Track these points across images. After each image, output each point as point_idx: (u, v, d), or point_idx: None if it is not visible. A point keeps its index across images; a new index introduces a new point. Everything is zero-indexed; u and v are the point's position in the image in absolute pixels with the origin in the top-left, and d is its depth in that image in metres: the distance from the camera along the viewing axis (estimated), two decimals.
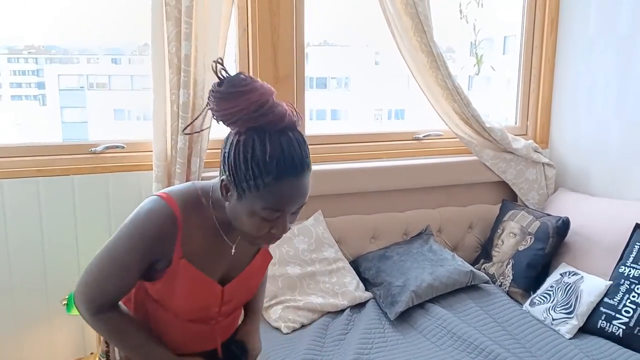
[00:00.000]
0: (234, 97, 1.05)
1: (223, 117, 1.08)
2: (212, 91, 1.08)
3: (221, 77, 1.09)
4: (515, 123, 2.90)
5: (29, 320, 2.19)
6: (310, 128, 2.63)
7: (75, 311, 2.07)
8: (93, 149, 2.23)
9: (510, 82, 3.00)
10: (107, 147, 2.25)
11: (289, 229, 1.15)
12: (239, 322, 1.46)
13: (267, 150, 1.05)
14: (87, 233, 2.21)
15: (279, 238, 1.16)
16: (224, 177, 1.11)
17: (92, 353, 2.21)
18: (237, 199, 1.10)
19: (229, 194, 1.12)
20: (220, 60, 1.09)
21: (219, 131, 2.34)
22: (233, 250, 1.25)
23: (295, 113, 1.10)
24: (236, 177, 1.08)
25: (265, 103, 1.06)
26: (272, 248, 2.27)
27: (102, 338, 1.43)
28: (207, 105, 1.10)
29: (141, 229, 1.14)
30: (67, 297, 2.09)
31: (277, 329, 2.13)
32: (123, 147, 2.27)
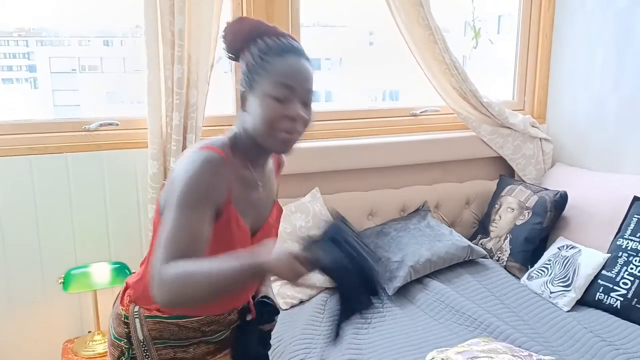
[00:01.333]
0: (240, 20, 1.23)
1: (233, 41, 1.23)
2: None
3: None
4: (513, 98, 2.88)
5: (26, 299, 2.17)
6: None
7: (72, 289, 2.06)
8: (87, 126, 2.19)
9: (504, 62, 2.98)
10: (101, 125, 2.21)
11: (304, 119, 1.19)
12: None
13: (268, 44, 1.19)
14: (82, 211, 2.19)
15: (296, 124, 1.18)
16: (242, 90, 1.21)
17: (89, 332, 2.20)
18: (252, 95, 1.18)
19: (246, 102, 1.20)
20: None
21: (214, 109, 2.32)
22: (260, 188, 1.27)
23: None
24: (249, 75, 1.19)
25: (267, 27, 1.22)
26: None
27: (111, 318, 1.36)
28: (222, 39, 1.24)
29: (200, 173, 1.11)
30: (63, 275, 2.08)
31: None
32: (117, 125, 2.24)
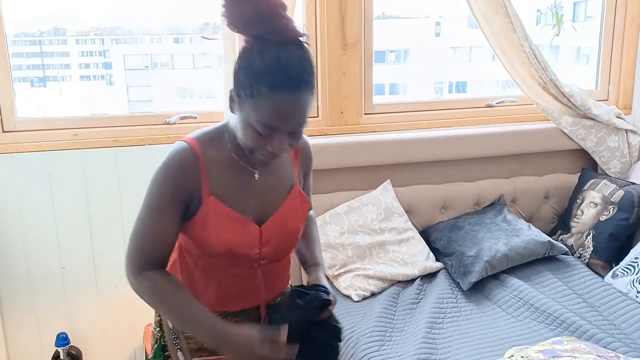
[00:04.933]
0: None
1: (231, 19, 1.08)
2: None
3: None
4: (596, 88, 2.74)
5: (111, 284, 2.29)
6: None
7: None
8: (167, 119, 2.27)
9: (580, 51, 2.84)
10: (181, 118, 2.29)
11: (291, 149, 1.15)
12: (288, 280, 1.42)
13: (263, 58, 1.05)
14: None
15: (276, 156, 1.14)
16: (230, 91, 1.13)
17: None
18: (238, 108, 1.11)
19: (233, 103, 1.13)
20: None
21: None
22: (256, 176, 1.23)
23: (302, 30, 1.10)
24: (236, 85, 1.10)
25: (272, 11, 1.06)
26: (340, 216, 2.26)
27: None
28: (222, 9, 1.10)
29: (165, 170, 1.18)
30: None
31: (348, 296, 2.13)
32: (195, 118, 2.31)
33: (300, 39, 1.09)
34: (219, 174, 1.19)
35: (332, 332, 1.29)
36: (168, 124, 2.27)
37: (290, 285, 1.43)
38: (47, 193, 2.17)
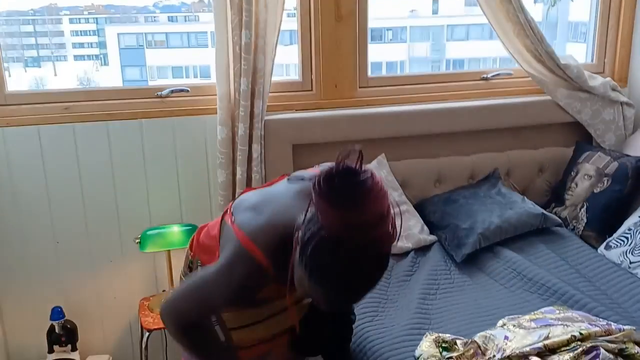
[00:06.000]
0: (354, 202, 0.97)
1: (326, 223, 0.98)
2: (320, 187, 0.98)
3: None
4: (592, 60, 2.72)
5: (105, 258, 2.29)
6: None
7: (149, 248, 2.15)
8: (159, 92, 2.25)
9: (578, 28, 2.81)
10: (172, 91, 2.27)
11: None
12: None
13: (339, 260, 0.99)
14: (156, 174, 2.27)
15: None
16: (299, 232, 1.05)
17: (164, 291, 2.30)
18: (297, 262, 1.06)
19: (295, 249, 1.07)
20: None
21: (280, 75, 2.32)
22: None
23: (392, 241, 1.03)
24: (302, 256, 1.03)
25: (384, 216, 0.98)
26: None
27: (182, 267, 1.49)
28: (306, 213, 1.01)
29: (230, 281, 1.18)
30: (139, 235, 2.16)
31: None
32: (188, 91, 2.29)
33: (386, 247, 1.04)
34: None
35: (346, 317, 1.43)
36: (160, 97, 2.25)
37: None
38: (39, 167, 2.16)
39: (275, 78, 2.27)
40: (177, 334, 1.25)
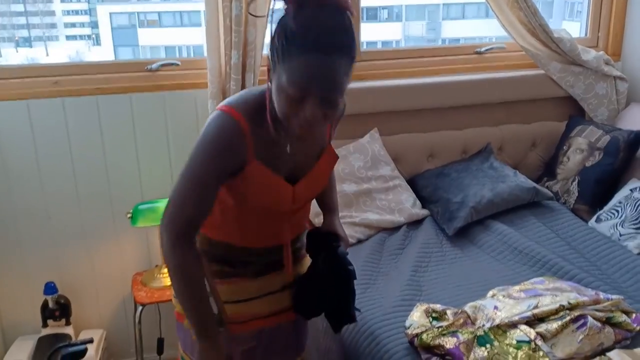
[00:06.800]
0: None
1: None
2: None
3: None
4: (585, 34, 2.71)
5: (97, 233, 2.29)
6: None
7: (140, 223, 2.15)
8: (149, 66, 2.23)
9: (572, 5, 2.79)
10: (163, 65, 2.25)
11: (323, 118, 1.10)
12: (306, 223, 1.47)
13: (298, 19, 1.03)
14: (147, 149, 2.26)
15: (311, 125, 1.11)
16: (269, 57, 1.11)
17: (157, 265, 2.30)
18: (273, 75, 1.10)
19: (270, 74, 1.12)
20: None
21: None
22: (288, 149, 1.24)
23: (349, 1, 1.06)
24: (271, 50, 1.09)
25: None
26: None
27: None
28: None
29: (213, 146, 1.17)
30: (131, 210, 2.16)
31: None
32: (178, 65, 2.27)
33: (343, 5, 1.05)
34: (261, 144, 1.20)
35: (346, 274, 1.38)
36: (150, 70, 2.23)
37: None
38: (30, 142, 2.15)
39: (266, 51, 2.24)
40: (169, 245, 1.19)
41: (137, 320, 2.16)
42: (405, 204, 2.27)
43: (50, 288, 2.19)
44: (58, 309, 2.21)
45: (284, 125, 1.17)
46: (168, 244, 1.19)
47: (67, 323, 2.24)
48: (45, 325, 2.22)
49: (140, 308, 2.14)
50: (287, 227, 1.35)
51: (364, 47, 2.58)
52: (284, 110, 1.10)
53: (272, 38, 1.08)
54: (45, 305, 2.21)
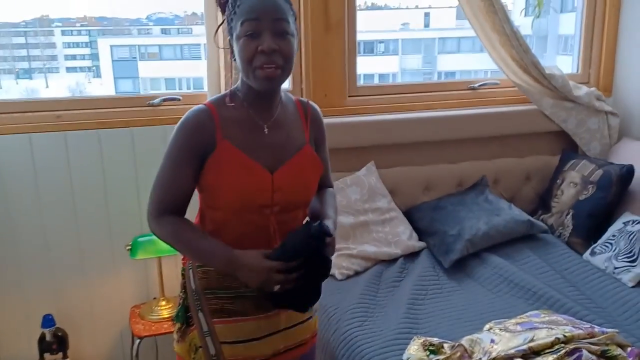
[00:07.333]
0: None
1: None
2: None
3: None
4: (577, 71, 2.77)
5: (96, 266, 2.30)
6: None
7: (140, 255, 2.16)
8: (150, 101, 2.28)
9: (565, 39, 2.86)
10: (164, 100, 2.29)
11: (278, 50, 1.22)
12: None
13: None
14: (147, 182, 2.26)
15: (272, 57, 1.22)
16: (229, 39, 1.30)
17: (155, 298, 2.30)
18: (233, 41, 1.27)
19: (231, 46, 1.29)
20: None
21: None
22: (266, 130, 1.32)
23: None
24: (227, 21, 1.28)
25: None
26: None
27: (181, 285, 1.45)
28: None
29: (183, 128, 1.31)
30: (130, 242, 2.18)
31: (332, 275, 2.15)
32: (179, 100, 2.31)
33: None
34: (233, 128, 1.31)
35: (322, 262, 1.32)
36: (152, 105, 2.28)
37: None
38: (31, 175, 2.17)
39: None
40: (154, 223, 1.33)
41: (134, 353, 2.15)
42: (401, 236, 2.30)
43: (48, 321, 2.19)
44: (55, 342, 2.20)
45: (251, 92, 1.30)
46: (153, 221, 1.33)
47: (65, 356, 2.22)
48: (42, 359, 2.21)
49: (137, 341, 2.13)
50: (276, 233, 1.33)
51: (360, 81, 2.63)
52: (245, 55, 1.23)
53: (227, 14, 1.28)
54: (42, 339, 2.20)
